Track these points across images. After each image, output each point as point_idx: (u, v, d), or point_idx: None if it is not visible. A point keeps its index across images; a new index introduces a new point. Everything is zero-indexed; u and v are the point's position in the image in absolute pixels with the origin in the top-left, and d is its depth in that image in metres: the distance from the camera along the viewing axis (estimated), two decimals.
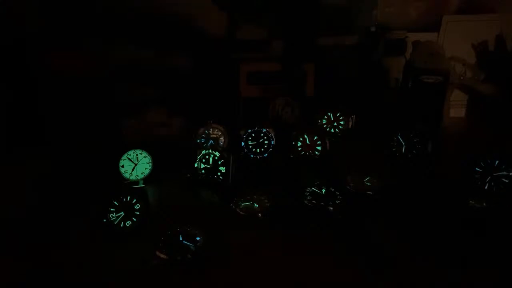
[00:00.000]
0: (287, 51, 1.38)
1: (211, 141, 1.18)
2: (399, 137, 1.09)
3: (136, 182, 1.03)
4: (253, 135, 1.14)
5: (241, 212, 0.87)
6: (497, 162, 0.91)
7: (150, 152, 1.05)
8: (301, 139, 1.13)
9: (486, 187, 0.92)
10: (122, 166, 1.03)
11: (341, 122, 1.27)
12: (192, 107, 1.33)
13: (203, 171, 1.04)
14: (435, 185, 0.96)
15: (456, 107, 1.43)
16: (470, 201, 0.87)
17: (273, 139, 1.13)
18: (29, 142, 1.27)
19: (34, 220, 0.89)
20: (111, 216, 0.81)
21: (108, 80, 1.31)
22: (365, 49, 1.37)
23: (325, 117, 1.28)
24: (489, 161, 0.91)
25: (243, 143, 1.15)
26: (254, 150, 1.15)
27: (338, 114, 1.27)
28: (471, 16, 1.35)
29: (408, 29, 1.34)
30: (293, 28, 1.37)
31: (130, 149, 1.04)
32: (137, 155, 1.04)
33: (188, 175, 1.04)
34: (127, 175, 1.03)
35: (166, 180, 1.05)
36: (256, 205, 0.89)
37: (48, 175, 1.07)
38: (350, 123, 1.26)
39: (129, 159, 1.04)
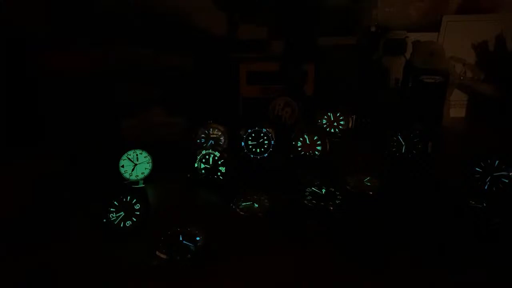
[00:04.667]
0: (287, 51, 1.38)
1: (211, 141, 1.18)
2: (399, 137, 1.09)
3: (136, 182, 1.03)
4: (253, 135, 1.14)
5: (241, 212, 0.87)
6: (497, 162, 0.91)
7: (150, 152, 1.05)
8: (301, 139, 1.13)
9: (486, 187, 0.92)
10: (122, 166, 1.03)
11: (341, 122, 1.27)
12: (192, 107, 1.33)
13: (203, 171, 1.04)
14: (435, 185, 0.96)
15: (456, 107, 1.43)
16: (470, 201, 0.87)
17: (273, 139, 1.13)
18: (29, 142, 1.27)
19: (34, 220, 0.89)
20: (111, 216, 0.81)
21: (108, 80, 1.31)
22: (365, 49, 1.37)
23: (325, 117, 1.28)
24: (489, 161, 0.91)
25: (243, 143, 1.15)
26: (254, 150, 1.15)
27: (338, 114, 1.27)
28: (471, 16, 1.35)
29: (408, 29, 1.34)
30: (293, 28, 1.37)
31: (130, 149, 1.04)
32: (137, 155, 1.04)
33: (188, 175, 1.05)
34: (127, 175, 1.03)
35: (166, 180, 1.05)
36: (256, 205, 0.89)
37: (48, 175, 1.07)
38: (350, 123, 1.26)
39: (129, 159, 1.04)
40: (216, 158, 1.03)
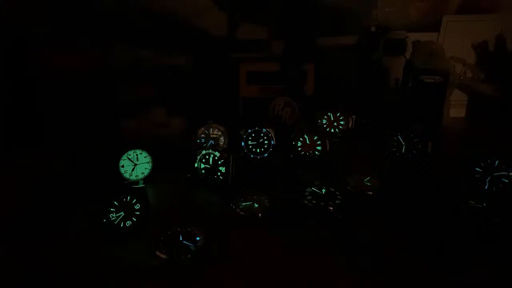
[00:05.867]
0: (287, 51, 1.38)
1: (211, 141, 1.18)
2: (399, 137, 1.09)
3: (136, 182, 1.03)
4: (253, 135, 1.14)
5: (241, 212, 0.87)
6: (497, 162, 0.91)
7: (150, 152, 1.05)
8: (301, 139, 1.13)
9: (486, 187, 0.92)
10: (122, 166, 1.03)
11: (341, 122, 1.27)
12: (192, 107, 1.33)
13: (203, 171, 1.04)
14: (435, 185, 0.96)
15: (456, 107, 1.43)
16: (470, 201, 0.87)
17: (273, 139, 1.13)
18: (29, 142, 1.27)
19: (34, 220, 0.89)
20: (111, 216, 0.81)
21: (108, 80, 1.31)
22: (365, 49, 1.37)
23: (325, 117, 1.28)
24: (489, 161, 0.91)
25: (243, 143, 1.15)
26: (254, 150, 1.15)
27: (338, 114, 1.27)
28: (471, 16, 1.35)
29: (408, 29, 1.34)
30: (293, 28, 1.37)
31: (130, 149, 1.04)
32: (137, 155, 1.04)
33: (188, 175, 1.05)
34: (127, 175, 1.03)
35: (166, 180, 1.05)
36: (256, 205, 0.89)
37: (48, 175, 1.07)
38: (350, 123, 1.26)
39: (129, 159, 1.04)
40: (216, 158, 1.03)
